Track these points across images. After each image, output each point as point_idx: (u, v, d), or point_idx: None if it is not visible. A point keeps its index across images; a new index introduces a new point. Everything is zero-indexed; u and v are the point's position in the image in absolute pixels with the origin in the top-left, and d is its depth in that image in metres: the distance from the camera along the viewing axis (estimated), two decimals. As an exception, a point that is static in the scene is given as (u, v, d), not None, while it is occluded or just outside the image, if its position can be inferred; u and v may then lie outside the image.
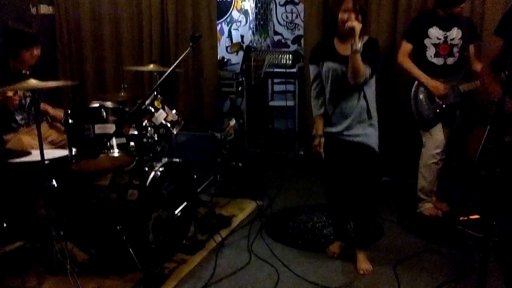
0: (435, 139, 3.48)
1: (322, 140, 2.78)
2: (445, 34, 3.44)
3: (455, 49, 3.45)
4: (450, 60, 3.47)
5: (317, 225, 3.52)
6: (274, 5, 5.98)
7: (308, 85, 4.45)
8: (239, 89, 5.04)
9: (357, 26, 2.48)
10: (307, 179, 4.47)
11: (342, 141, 2.74)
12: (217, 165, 4.06)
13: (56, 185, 2.69)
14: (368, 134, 2.72)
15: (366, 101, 2.70)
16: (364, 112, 2.71)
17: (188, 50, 2.55)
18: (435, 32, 3.44)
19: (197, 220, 3.29)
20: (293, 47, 5.80)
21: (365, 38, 2.64)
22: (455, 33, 3.43)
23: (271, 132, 5.29)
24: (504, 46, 2.18)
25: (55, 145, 3.32)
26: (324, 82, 2.77)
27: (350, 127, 2.70)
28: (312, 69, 2.83)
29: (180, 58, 2.54)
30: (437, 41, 3.45)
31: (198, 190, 3.71)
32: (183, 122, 3.20)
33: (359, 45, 2.47)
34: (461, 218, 3.48)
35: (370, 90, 2.73)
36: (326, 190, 3.09)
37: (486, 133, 1.65)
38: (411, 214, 3.64)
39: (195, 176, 3.20)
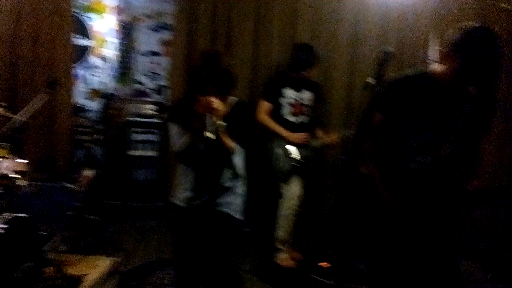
0: (293, 191, 3.69)
1: None
2: (298, 95, 3.74)
3: (307, 109, 3.77)
4: (304, 119, 3.77)
5: (175, 280, 3.40)
6: (137, 54, 5.92)
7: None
8: (97, 137, 4.79)
9: (219, 107, 2.18)
10: (167, 231, 4.34)
11: (204, 211, 2.50)
12: (68, 219, 3.74)
13: None
14: (232, 203, 2.53)
15: (233, 169, 2.49)
16: (229, 181, 2.50)
17: (43, 97, 2.37)
18: (289, 93, 3.72)
19: (42, 282, 2.95)
20: (155, 97, 5.77)
21: (233, 101, 2.44)
22: (306, 95, 3.75)
23: (130, 182, 5.09)
24: (383, 119, 2.22)
25: None
26: None
27: (216, 196, 2.46)
28: (175, 128, 2.41)
29: (34, 107, 2.35)
30: (292, 101, 3.72)
31: (44, 248, 3.35)
32: (32, 172, 2.91)
33: (221, 124, 2.19)
34: (314, 266, 3.68)
35: (239, 156, 2.51)
36: (177, 252, 2.72)
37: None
38: (269, 264, 3.74)
39: (43, 233, 2.90)
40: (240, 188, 2.56)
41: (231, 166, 2.45)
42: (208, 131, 2.14)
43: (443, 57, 2.01)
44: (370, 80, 1.82)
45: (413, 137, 2.11)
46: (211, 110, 2.17)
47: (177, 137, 2.38)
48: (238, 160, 2.51)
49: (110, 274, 3.42)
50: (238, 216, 2.54)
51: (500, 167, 4.21)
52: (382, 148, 2.19)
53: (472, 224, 4.22)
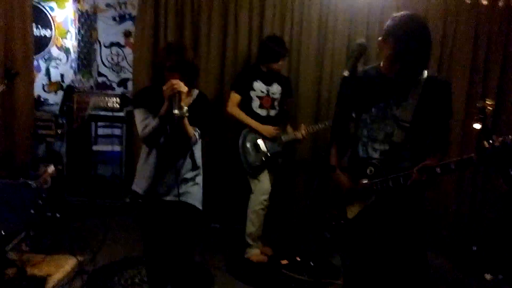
0: (262, 186, 3.67)
1: None
2: (267, 88, 3.71)
3: (276, 103, 3.75)
4: (272, 112, 3.75)
5: (145, 279, 3.32)
6: (99, 46, 5.73)
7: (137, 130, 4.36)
8: (59, 131, 4.62)
9: (183, 89, 2.26)
10: (134, 229, 4.24)
11: (166, 201, 2.53)
12: (30, 217, 3.58)
13: None
14: (192, 193, 2.56)
15: (193, 159, 2.54)
16: (189, 171, 2.55)
17: (2, 88, 2.24)
18: (259, 86, 3.70)
19: (4, 284, 2.82)
20: (119, 90, 5.60)
21: (195, 93, 2.53)
22: (276, 88, 3.74)
23: (95, 178, 4.93)
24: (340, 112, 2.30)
25: None
26: None
27: (175, 186, 2.47)
28: (141, 113, 2.47)
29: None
30: (261, 94, 3.70)
31: (6, 248, 3.20)
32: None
33: (184, 109, 2.27)
34: (282, 262, 3.69)
35: (197, 147, 2.58)
36: (145, 246, 2.73)
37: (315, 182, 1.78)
38: (240, 260, 3.72)
39: (2, 232, 2.76)
40: (198, 178, 2.61)
41: (192, 156, 2.53)
42: (176, 110, 2.23)
43: (381, 46, 2.13)
44: (345, 73, 1.85)
45: (369, 126, 2.21)
46: (177, 91, 2.24)
47: (144, 122, 2.42)
48: (197, 152, 2.59)
49: (76, 274, 3.30)
50: (198, 205, 2.59)
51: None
52: (342, 139, 2.29)
53: (440, 217, 4.34)
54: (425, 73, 2.15)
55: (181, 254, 2.61)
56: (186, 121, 2.34)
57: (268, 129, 3.66)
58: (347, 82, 1.87)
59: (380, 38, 2.14)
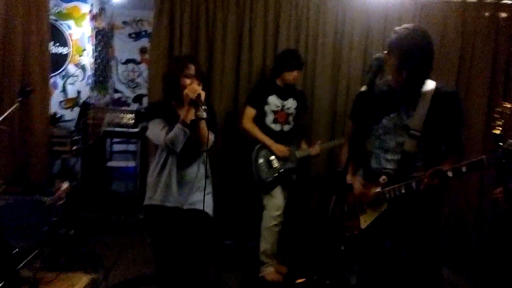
0: (275, 202, 3.60)
1: None
2: (283, 102, 3.67)
3: (291, 118, 3.70)
4: (287, 128, 3.70)
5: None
6: (115, 62, 5.79)
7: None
8: (74, 148, 4.64)
9: (202, 92, 2.42)
10: (148, 246, 4.19)
11: (182, 210, 2.61)
12: (44, 234, 3.57)
13: None
14: (206, 201, 2.62)
15: (206, 167, 2.66)
16: (203, 179, 2.65)
17: (15, 105, 2.25)
18: (274, 100, 3.65)
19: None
20: (134, 106, 5.64)
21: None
22: (291, 103, 3.69)
23: (109, 194, 4.93)
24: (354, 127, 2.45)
25: None
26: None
27: (189, 195, 2.61)
28: (159, 122, 2.57)
29: (4, 115, 2.22)
30: (276, 109, 3.66)
31: (19, 266, 3.18)
32: (4, 185, 2.78)
33: (204, 113, 2.40)
34: (297, 281, 3.60)
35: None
36: (157, 263, 2.76)
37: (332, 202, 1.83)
38: (254, 278, 3.64)
39: (16, 249, 2.75)
40: (209, 187, 2.68)
41: (205, 163, 2.64)
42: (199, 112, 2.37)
43: (386, 60, 2.18)
44: (363, 88, 1.90)
45: (381, 138, 2.29)
46: (198, 93, 2.38)
47: (165, 129, 2.52)
48: (208, 161, 2.66)
49: (89, 291, 3.27)
50: (211, 213, 2.68)
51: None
52: (357, 153, 2.34)
53: (458, 230, 4.20)
54: (433, 84, 2.23)
55: (197, 266, 2.65)
56: (205, 123, 2.45)
57: (280, 149, 3.60)
58: (365, 97, 1.92)
59: (385, 52, 2.20)
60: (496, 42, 4.11)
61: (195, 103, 2.39)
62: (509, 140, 1.76)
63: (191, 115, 2.45)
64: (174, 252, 2.64)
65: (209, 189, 2.67)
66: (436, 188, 2.08)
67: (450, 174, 2.00)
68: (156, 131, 2.55)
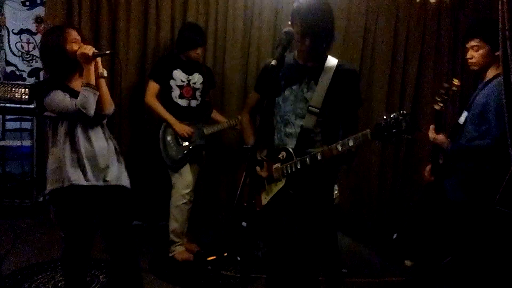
0: (184, 180, 3.52)
1: None
2: (188, 77, 3.56)
3: (198, 93, 3.61)
4: (194, 103, 3.61)
5: (59, 284, 3.07)
6: (7, 33, 5.26)
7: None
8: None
9: (91, 50, 2.32)
10: (48, 230, 3.93)
11: (99, 187, 2.45)
12: None
13: None
14: (122, 174, 2.55)
15: (114, 139, 2.55)
16: (113, 153, 2.52)
17: None
18: (178, 75, 3.54)
19: None
20: (30, 80, 5.18)
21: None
22: (197, 78, 3.60)
23: (2, 176, 4.52)
24: (259, 98, 2.43)
25: None
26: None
27: (105, 171, 2.45)
28: (59, 93, 2.37)
29: None
30: (181, 83, 3.55)
31: None
32: None
33: (104, 71, 2.35)
34: (208, 258, 3.57)
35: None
36: (70, 241, 2.52)
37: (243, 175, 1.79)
38: (164, 259, 3.54)
39: None
40: (121, 158, 2.59)
41: (110, 137, 2.53)
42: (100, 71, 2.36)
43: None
44: (272, 62, 1.85)
45: (282, 110, 2.28)
46: (93, 51, 2.32)
47: (66, 97, 2.35)
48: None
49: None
50: (128, 186, 2.58)
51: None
52: (259, 124, 2.35)
53: (362, 206, 4.43)
54: (335, 61, 2.23)
55: (124, 245, 2.55)
56: (105, 83, 2.39)
57: (183, 128, 3.50)
58: (273, 71, 1.87)
59: (289, 23, 2.17)
60: (397, 19, 4.31)
61: (92, 58, 2.32)
62: (394, 114, 1.79)
63: (93, 76, 2.34)
64: (89, 235, 2.46)
65: (122, 161, 2.57)
66: (331, 164, 2.14)
67: (339, 148, 2.01)
68: (60, 98, 2.33)
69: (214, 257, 3.59)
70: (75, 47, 2.36)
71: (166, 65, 3.54)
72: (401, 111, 1.79)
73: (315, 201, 2.27)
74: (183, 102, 3.56)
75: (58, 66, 2.40)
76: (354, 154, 2.12)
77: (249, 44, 4.23)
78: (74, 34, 2.40)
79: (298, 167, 2.16)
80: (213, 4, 4.15)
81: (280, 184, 2.25)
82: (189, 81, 3.57)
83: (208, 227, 4.21)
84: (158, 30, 4.08)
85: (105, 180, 2.44)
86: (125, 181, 2.55)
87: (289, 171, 2.19)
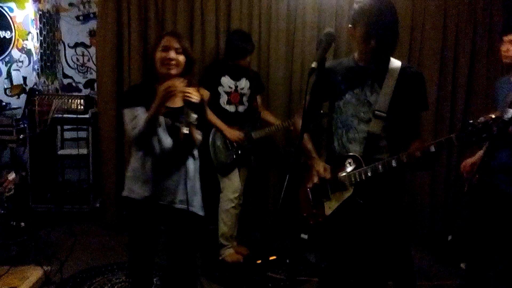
0: (233, 184, 3.57)
1: None
2: (235, 83, 3.61)
3: (245, 98, 3.65)
4: (241, 108, 3.65)
5: (115, 287, 3.20)
6: (63, 47, 5.54)
7: (103, 131, 4.22)
8: (21, 136, 4.42)
9: (194, 96, 2.17)
10: (104, 235, 4.10)
11: (169, 208, 2.35)
12: (-9, 228, 3.41)
13: None
14: (197, 201, 2.43)
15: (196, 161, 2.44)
16: (194, 176, 2.41)
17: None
18: (226, 81, 3.60)
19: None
20: (86, 91, 5.42)
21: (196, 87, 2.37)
22: (244, 83, 3.64)
23: (61, 184, 4.74)
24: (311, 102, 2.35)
25: None
26: None
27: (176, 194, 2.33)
28: (130, 113, 2.27)
29: None
30: (229, 90, 3.60)
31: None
32: None
33: (193, 118, 2.15)
34: (258, 261, 3.60)
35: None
36: (131, 245, 2.54)
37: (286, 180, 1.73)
38: (214, 261, 3.61)
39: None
40: (199, 182, 2.46)
41: (194, 158, 2.39)
42: (184, 125, 2.13)
43: (351, 33, 2.12)
44: (313, 64, 1.78)
45: (343, 116, 2.18)
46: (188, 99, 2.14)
47: (133, 123, 2.22)
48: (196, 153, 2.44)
49: (43, 285, 3.15)
50: (201, 213, 2.44)
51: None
52: (316, 133, 2.34)
53: (414, 209, 4.32)
54: (399, 63, 2.14)
55: (187, 261, 2.45)
56: (194, 131, 2.21)
57: (234, 134, 3.55)
58: (315, 72, 1.80)
59: (349, 26, 2.11)
60: (445, 19, 4.18)
61: (188, 111, 2.15)
62: (481, 118, 1.73)
63: (177, 103, 2.21)
64: (152, 243, 2.40)
65: (199, 185, 2.45)
66: (400, 172, 2.03)
67: (418, 154, 1.91)
68: (126, 122, 2.26)
69: (270, 258, 3.62)
70: (161, 55, 2.24)
71: (214, 73, 3.61)
72: (490, 115, 1.73)
73: (388, 211, 2.16)
74: (230, 108, 3.62)
75: (147, 74, 2.35)
76: (437, 159, 2.00)
77: (293, 46, 4.23)
78: (169, 42, 2.25)
79: (369, 174, 2.05)
80: (256, 10, 4.18)
81: (347, 193, 2.12)
82: (236, 87, 3.63)
83: (257, 230, 4.24)
84: (203, 41, 4.15)
85: (180, 202, 2.33)
86: (198, 207, 2.43)
87: (358, 179, 2.08)
